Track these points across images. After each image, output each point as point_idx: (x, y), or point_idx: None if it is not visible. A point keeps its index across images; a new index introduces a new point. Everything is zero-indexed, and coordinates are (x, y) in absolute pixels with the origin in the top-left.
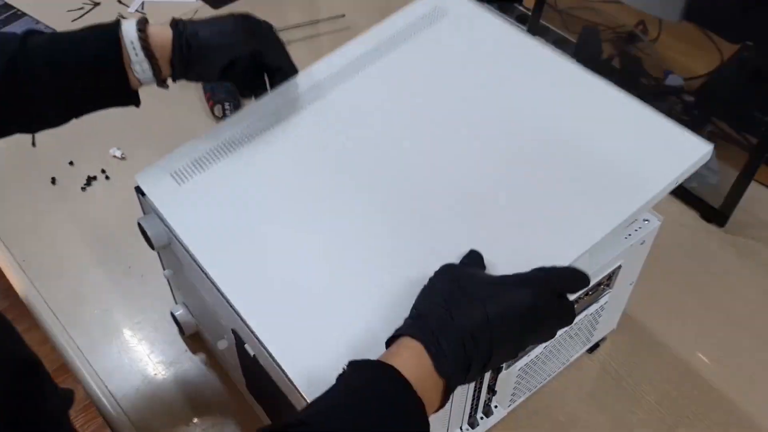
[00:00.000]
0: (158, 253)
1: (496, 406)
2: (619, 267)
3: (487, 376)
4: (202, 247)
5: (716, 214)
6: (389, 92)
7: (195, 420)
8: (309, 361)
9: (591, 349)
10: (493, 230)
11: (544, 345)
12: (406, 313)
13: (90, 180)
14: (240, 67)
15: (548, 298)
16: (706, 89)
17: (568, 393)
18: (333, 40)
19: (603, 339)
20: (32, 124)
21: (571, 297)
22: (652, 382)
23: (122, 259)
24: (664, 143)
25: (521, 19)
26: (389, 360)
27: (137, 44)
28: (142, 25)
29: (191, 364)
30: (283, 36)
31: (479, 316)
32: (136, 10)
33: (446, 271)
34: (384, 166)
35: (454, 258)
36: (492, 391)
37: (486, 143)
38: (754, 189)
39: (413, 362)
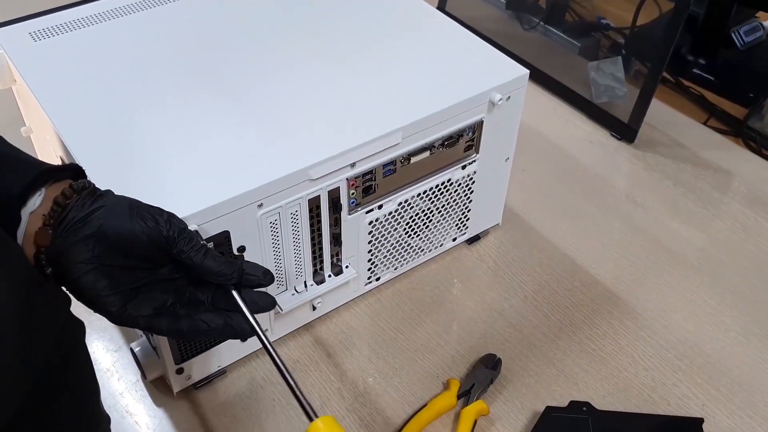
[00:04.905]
0: None
1: (347, 266)
2: (482, 122)
3: (326, 221)
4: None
5: (626, 130)
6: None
7: None
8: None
9: (471, 241)
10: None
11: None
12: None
13: None
14: None
15: None
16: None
17: (438, 277)
18: None
19: (485, 233)
20: None
21: None
22: (532, 274)
23: None
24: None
25: None
26: None
27: None
28: None
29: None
30: None
31: None
32: None
33: None
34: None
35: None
36: (338, 242)
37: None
38: (665, 112)
39: None
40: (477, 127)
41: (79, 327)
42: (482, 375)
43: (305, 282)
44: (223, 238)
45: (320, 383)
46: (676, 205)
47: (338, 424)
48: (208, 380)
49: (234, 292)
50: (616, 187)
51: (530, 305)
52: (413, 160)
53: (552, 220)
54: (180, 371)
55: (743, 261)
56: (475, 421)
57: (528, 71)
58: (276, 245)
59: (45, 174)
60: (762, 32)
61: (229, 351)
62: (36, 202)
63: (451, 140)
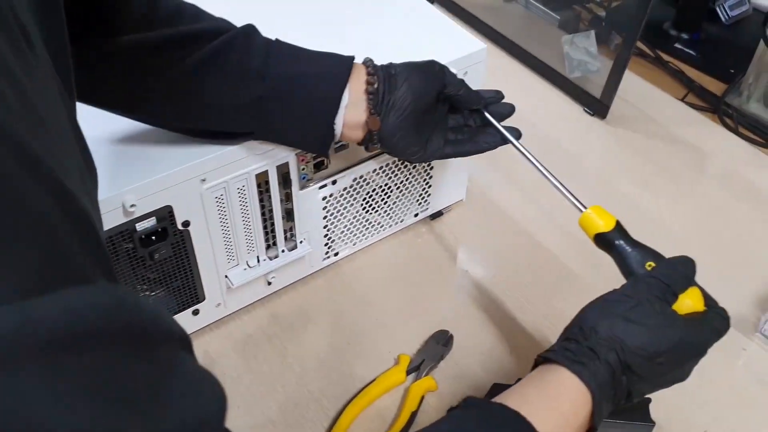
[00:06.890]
0: None
1: (301, 242)
2: None
3: (276, 197)
4: None
5: (598, 105)
6: None
7: None
8: None
9: (434, 216)
10: None
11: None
12: None
13: None
14: None
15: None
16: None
17: (399, 252)
18: None
19: (449, 209)
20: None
21: None
22: (494, 251)
23: None
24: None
25: None
26: (540, 401)
27: None
28: None
29: None
30: None
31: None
32: None
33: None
34: None
35: None
36: (291, 217)
37: None
38: (643, 87)
39: (571, 415)
40: None
41: None
42: (433, 351)
43: (258, 257)
44: (166, 212)
45: (272, 357)
46: (646, 182)
47: (606, 211)
48: None
49: (485, 113)
50: (585, 163)
51: (489, 282)
52: None
53: (517, 197)
54: None
55: (712, 240)
56: (422, 397)
57: (485, 46)
58: (224, 220)
59: (347, 73)
60: (748, 6)
61: (183, 324)
62: (345, 97)
63: None
